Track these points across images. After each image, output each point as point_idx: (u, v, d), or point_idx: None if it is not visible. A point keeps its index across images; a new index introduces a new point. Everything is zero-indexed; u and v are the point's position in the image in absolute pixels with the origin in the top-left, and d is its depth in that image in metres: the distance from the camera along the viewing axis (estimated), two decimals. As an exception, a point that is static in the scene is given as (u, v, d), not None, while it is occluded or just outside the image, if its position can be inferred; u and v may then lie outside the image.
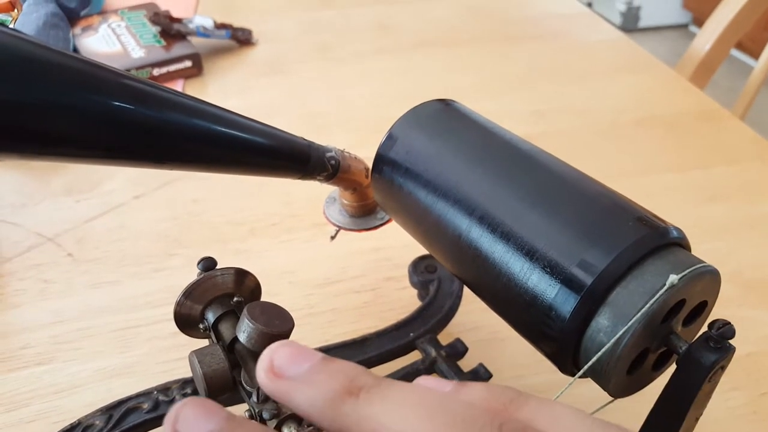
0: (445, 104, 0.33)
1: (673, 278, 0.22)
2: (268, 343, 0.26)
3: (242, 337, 0.27)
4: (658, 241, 0.23)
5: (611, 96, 0.74)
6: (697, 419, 0.25)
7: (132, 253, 0.51)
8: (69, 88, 0.23)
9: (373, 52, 0.83)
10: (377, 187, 0.33)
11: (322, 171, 0.34)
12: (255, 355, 0.27)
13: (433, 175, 0.29)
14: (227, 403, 0.33)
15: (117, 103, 0.24)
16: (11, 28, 0.22)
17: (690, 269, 0.22)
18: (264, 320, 0.27)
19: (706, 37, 0.87)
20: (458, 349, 0.37)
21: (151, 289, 0.47)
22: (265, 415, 0.25)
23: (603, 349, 0.22)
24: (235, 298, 0.30)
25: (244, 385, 0.28)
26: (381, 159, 0.32)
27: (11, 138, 0.22)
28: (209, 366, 0.27)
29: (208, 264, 0.29)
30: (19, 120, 0.22)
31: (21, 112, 0.21)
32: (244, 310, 0.27)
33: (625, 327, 0.22)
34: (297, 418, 0.25)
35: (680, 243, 0.24)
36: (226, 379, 0.27)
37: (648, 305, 0.22)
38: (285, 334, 0.27)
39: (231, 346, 0.28)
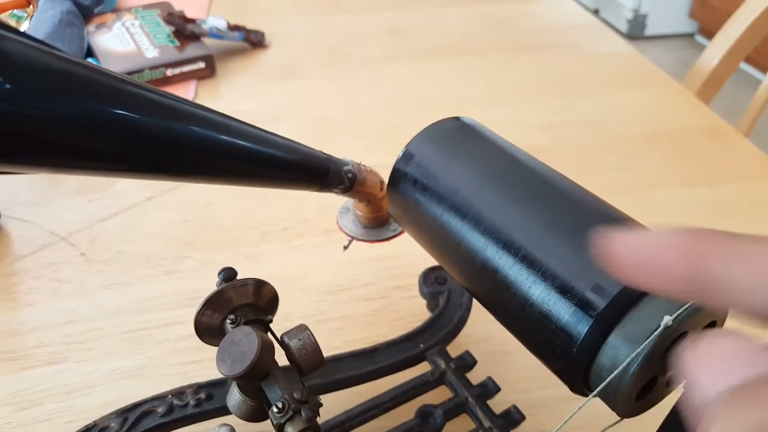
0: (461, 123, 0.33)
1: (667, 319, 0.22)
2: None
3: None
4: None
5: (619, 109, 0.74)
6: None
7: (144, 255, 0.51)
8: (91, 101, 0.23)
9: (384, 58, 0.83)
10: (393, 201, 0.34)
11: (340, 184, 0.34)
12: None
13: (449, 193, 0.30)
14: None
15: (137, 116, 0.24)
16: (20, 32, 0.22)
17: (683, 308, 0.22)
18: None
19: (714, 51, 0.87)
20: (467, 362, 0.38)
21: (163, 291, 0.48)
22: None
23: (610, 377, 0.23)
24: (269, 317, 0.31)
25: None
26: (397, 174, 0.33)
27: (9, 148, 0.22)
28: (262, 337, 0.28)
29: (228, 275, 0.30)
30: (21, 131, 0.21)
31: (23, 123, 0.21)
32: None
33: (635, 353, 0.22)
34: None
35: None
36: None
37: (650, 339, 0.22)
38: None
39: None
